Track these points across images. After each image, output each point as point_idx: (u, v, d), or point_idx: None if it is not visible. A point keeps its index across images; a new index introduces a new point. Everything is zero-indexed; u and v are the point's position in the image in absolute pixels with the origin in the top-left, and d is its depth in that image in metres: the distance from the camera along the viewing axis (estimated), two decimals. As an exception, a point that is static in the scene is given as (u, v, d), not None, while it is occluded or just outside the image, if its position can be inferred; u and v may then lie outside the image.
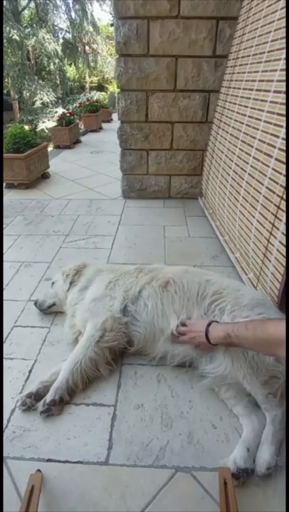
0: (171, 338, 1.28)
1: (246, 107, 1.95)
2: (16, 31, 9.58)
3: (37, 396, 1.21)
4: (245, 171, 1.84)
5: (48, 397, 1.19)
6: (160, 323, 1.32)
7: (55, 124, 6.33)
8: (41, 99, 10.69)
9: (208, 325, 1.14)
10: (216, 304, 1.26)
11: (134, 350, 1.38)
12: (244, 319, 1.14)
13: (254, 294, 1.34)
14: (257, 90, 1.81)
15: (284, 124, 1.45)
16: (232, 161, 2.11)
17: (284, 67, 1.51)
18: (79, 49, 12.90)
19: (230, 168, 2.12)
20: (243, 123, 1.98)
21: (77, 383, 1.25)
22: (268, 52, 1.72)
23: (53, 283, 1.69)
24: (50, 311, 1.67)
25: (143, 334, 1.34)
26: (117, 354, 1.39)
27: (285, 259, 1.38)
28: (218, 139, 2.52)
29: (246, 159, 1.85)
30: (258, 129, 1.73)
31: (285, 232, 1.38)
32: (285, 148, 1.42)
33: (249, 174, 1.79)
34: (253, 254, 1.70)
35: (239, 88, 2.15)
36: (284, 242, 1.39)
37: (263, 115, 1.69)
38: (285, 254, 1.38)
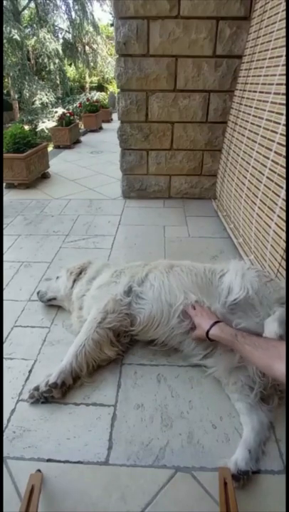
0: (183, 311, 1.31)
1: (264, 110, 1.95)
2: (16, 31, 9.56)
3: None
4: (264, 174, 1.84)
5: (51, 379, 1.20)
6: (168, 298, 1.33)
7: (55, 124, 6.33)
8: (41, 99, 10.68)
9: (212, 325, 1.17)
10: (224, 277, 1.33)
11: (138, 331, 1.37)
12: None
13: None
14: (275, 94, 1.82)
15: None
16: (249, 163, 2.10)
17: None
18: (79, 49, 12.88)
19: (248, 171, 2.12)
20: (260, 126, 1.98)
21: (82, 366, 1.26)
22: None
23: (57, 277, 1.72)
24: (50, 304, 1.70)
25: (149, 310, 1.34)
26: (122, 337, 1.39)
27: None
28: (234, 141, 2.52)
29: (264, 162, 1.85)
30: (276, 132, 1.73)
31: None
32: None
33: (267, 177, 1.79)
34: (270, 256, 1.70)
35: (255, 91, 2.15)
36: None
37: (282, 119, 1.69)
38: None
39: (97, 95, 11.38)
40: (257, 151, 1.98)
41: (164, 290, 1.35)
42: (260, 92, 2.06)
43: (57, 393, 1.20)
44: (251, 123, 2.15)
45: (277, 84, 1.80)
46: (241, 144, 2.32)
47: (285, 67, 1.72)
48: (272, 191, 1.71)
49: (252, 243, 2.00)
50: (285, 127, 1.65)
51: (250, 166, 2.07)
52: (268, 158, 1.80)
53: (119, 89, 2.83)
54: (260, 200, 1.86)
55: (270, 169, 1.77)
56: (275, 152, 1.72)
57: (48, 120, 9.40)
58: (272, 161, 1.75)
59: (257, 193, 1.92)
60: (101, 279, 1.53)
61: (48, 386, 1.19)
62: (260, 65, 2.11)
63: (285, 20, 1.76)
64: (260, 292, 1.25)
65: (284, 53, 1.74)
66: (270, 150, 1.78)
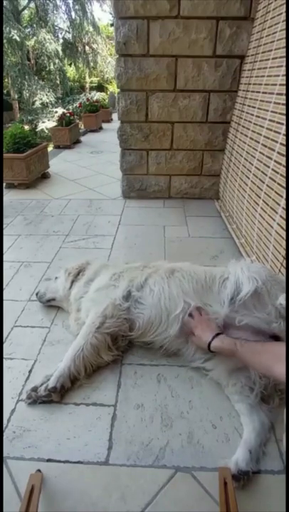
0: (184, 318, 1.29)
1: (267, 110, 1.95)
2: (16, 31, 9.57)
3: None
4: (266, 175, 1.84)
5: (50, 384, 1.21)
6: (167, 305, 1.31)
7: (55, 124, 6.33)
8: (41, 99, 10.69)
9: (213, 338, 1.16)
10: (228, 281, 1.29)
11: (137, 336, 1.37)
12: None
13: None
14: (278, 94, 1.82)
15: None
16: (252, 164, 2.10)
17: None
18: (79, 49, 12.89)
19: (250, 171, 2.12)
20: (263, 126, 1.98)
21: (80, 370, 1.27)
22: None
23: (56, 278, 1.72)
24: (49, 304, 1.70)
25: (147, 316, 1.33)
26: (119, 341, 1.39)
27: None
28: (237, 142, 2.52)
29: (267, 163, 1.85)
30: (279, 133, 1.73)
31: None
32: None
33: (270, 178, 1.79)
34: (272, 257, 1.70)
35: (258, 92, 2.15)
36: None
37: (284, 119, 1.69)
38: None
39: (97, 95, 11.40)
40: (260, 152, 1.98)
41: (164, 296, 1.33)
42: (263, 92, 2.07)
43: (56, 397, 1.20)
44: (254, 123, 2.16)
45: (280, 84, 1.81)
46: (244, 144, 2.32)
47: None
48: (275, 192, 1.71)
49: (254, 243, 2.01)
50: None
51: (253, 167, 2.07)
52: (271, 159, 1.80)
53: (119, 89, 2.83)
54: (263, 200, 1.87)
55: (272, 170, 1.77)
56: (278, 153, 1.73)
57: (48, 120, 9.42)
58: (275, 161, 1.75)
59: (259, 193, 1.92)
60: (99, 282, 1.51)
61: (47, 391, 1.19)
62: (263, 66, 2.11)
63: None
64: (268, 282, 1.23)
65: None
66: (273, 151, 1.78)
